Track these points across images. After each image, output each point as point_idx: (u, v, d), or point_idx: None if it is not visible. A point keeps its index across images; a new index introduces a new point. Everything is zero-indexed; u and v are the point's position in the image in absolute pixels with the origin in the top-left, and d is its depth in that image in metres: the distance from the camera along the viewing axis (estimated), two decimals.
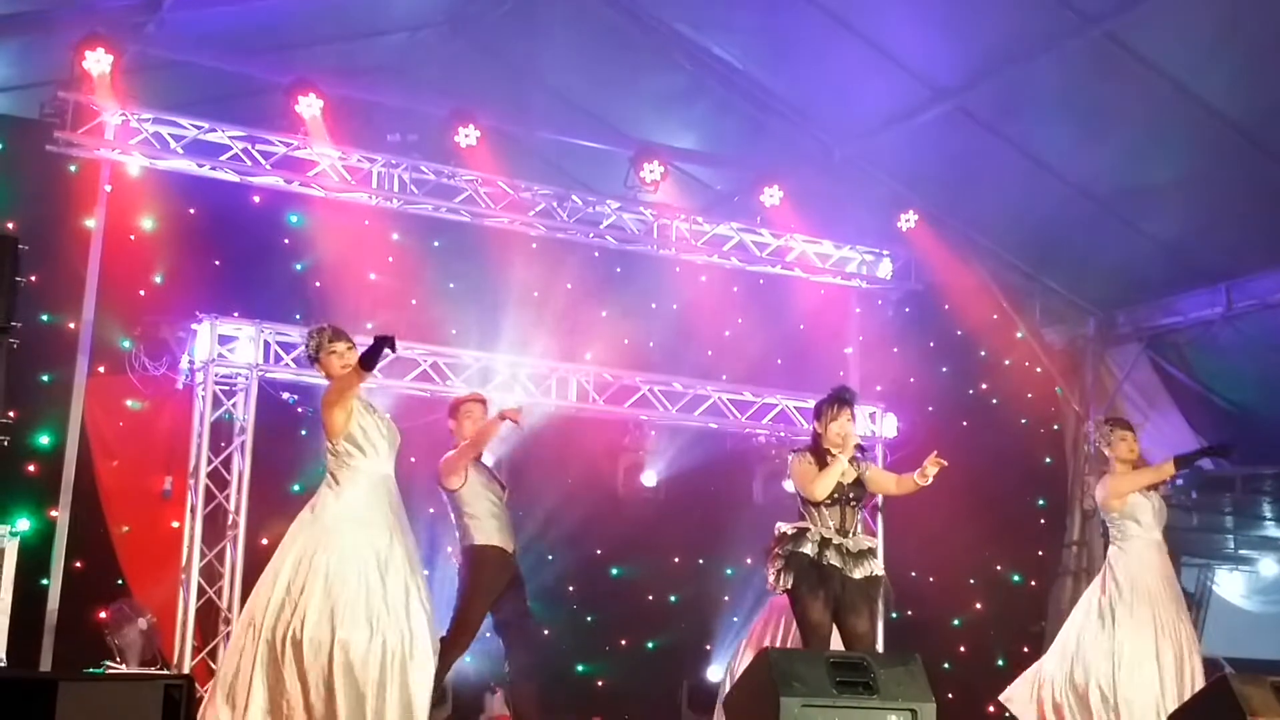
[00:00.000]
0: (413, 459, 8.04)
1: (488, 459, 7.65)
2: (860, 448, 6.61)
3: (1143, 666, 6.93)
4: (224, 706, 5.71)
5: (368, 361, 5.92)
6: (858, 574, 6.40)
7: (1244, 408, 10.39)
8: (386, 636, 5.78)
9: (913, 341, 11.38)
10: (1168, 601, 7.10)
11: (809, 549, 6.37)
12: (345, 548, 5.88)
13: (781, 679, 5.24)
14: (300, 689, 5.67)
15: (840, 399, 6.59)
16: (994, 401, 11.26)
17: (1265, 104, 8.44)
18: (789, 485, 6.63)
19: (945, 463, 6.42)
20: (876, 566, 6.50)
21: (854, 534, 6.50)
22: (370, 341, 5.94)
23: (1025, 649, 11.03)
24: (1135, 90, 8.59)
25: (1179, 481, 10.06)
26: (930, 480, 6.47)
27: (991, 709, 10.64)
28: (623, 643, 10.70)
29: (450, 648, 6.94)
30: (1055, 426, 11.39)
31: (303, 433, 9.30)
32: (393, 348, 5.92)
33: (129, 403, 9.11)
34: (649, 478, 10.68)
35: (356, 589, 5.80)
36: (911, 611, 10.44)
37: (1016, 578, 11.21)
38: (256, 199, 9.75)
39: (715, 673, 10.34)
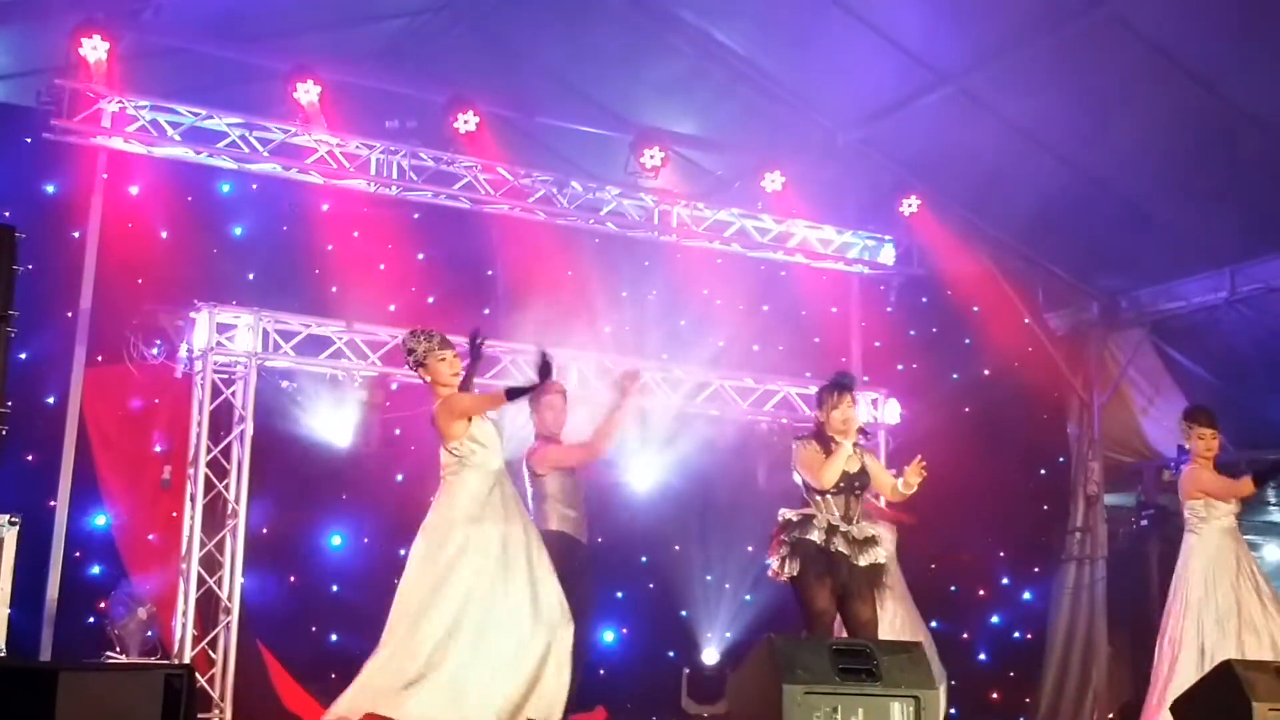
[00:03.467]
0: (412, 447, 8.04)
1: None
2: (863, 431, 6.59)
3: (1229, 633, 7.24)
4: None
5: (513, 395, 6.44)
6: (863, 561, 6.40)
7: (1248, 392, 10.34)
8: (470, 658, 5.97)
9: (915, 327, 11.35)
10: (1245, 584, 7.42)
11: (816, 536, 6.35)
12: (452, 547, 6.13)
13: (784, 666, 5.22)
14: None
15: (841, 385, 6.59)
16: (996, 387, 11.21)
17: (1272, 87, 8.39)
18: (798, 477, 6.61)
19: (926, 472, 6.47)
20: (880, 554, 6.49)
21: (858, 521, 6.49)
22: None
23: (1029, 635, 11.04)
24: (1139, 73, 8.54)
25: (1173, 467, 10.07)
26: (915, 488, 6.52)
27: (995, 695, 10.66)
28: (624, 631, 10.68)
29: None
30: (1058, 412, 11.36)
31: (301, 420, 9.27)
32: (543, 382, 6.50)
33: (127, 392, 9.07)
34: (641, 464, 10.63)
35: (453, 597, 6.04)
36: (914, 598, 10.43)
37: (1019, 564, 11.19)
38: (254, 186, 9.72)
39: (715, 662, 10.36)
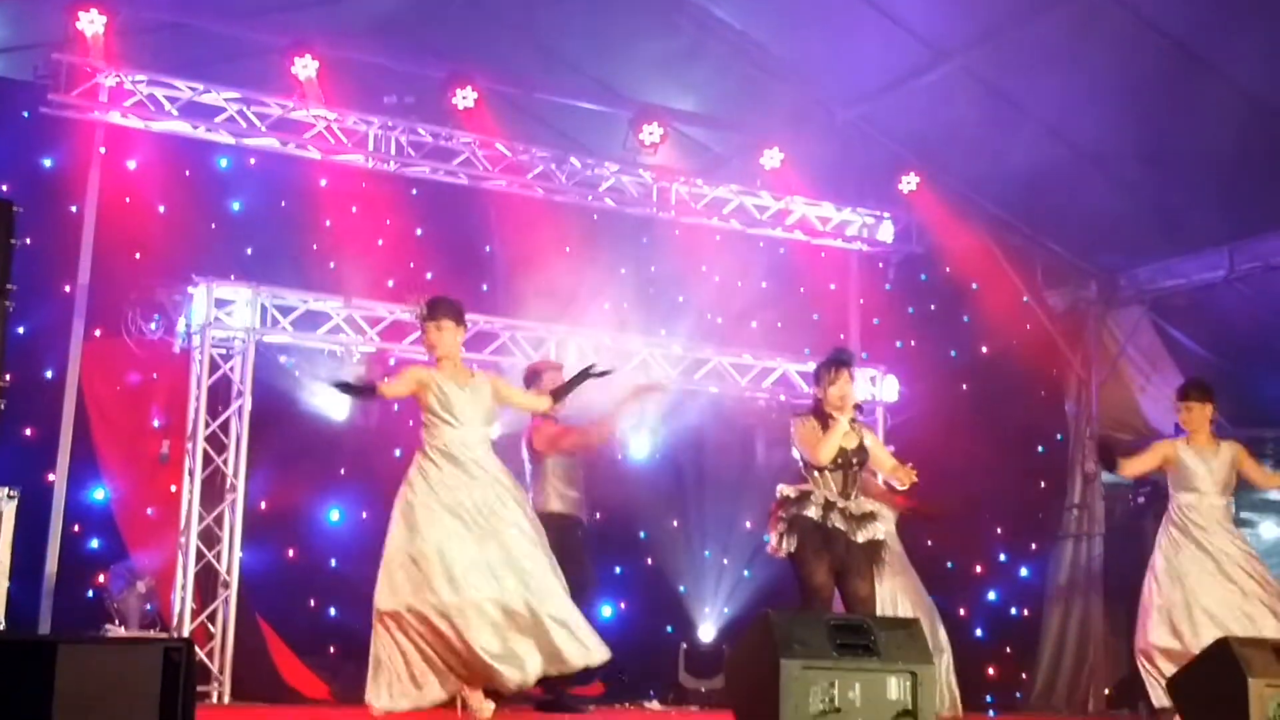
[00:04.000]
0: (410, 422, 7.99)
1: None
2: (858, 407, 6.60)
3: (1214, 587, 7.12)
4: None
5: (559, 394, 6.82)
6: (861, 537, 6.41)
7: (1246, 369, 10.35)
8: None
9: (914, 304, 11.35)
10: (1229, 550, 7.26)
11: (813, 512, 6.36)
12: (433, 515, 6.18)
13: (782, 641, 5.22)
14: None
15: (838, 361, 6.59)
16: (995, 364, 11.22)
17: (1270, 64, 8.37)
18: (796, 453, 6.62)
19: (916, 478, 6.51)
20: (878, 530, 6.50)
21: (856, 497, 6.51)
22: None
23: (1025, 612, 11.07)
24: (1138, 50, 8.52)
25: None
26: (905, 485, 6.55)
27: (992, 671, 10.69)
28: (622, 606, 10.71)
29: None
30: (1057, 389, 11.37)
31: (300, 396, 9.27)
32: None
33: (126, 367, 9.07)
34: (638, 439, 10.64)
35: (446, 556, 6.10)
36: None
37: (1016, 540, 11.22)
38: (252, 161, 9.69)
39: (712, 637, 10.39)
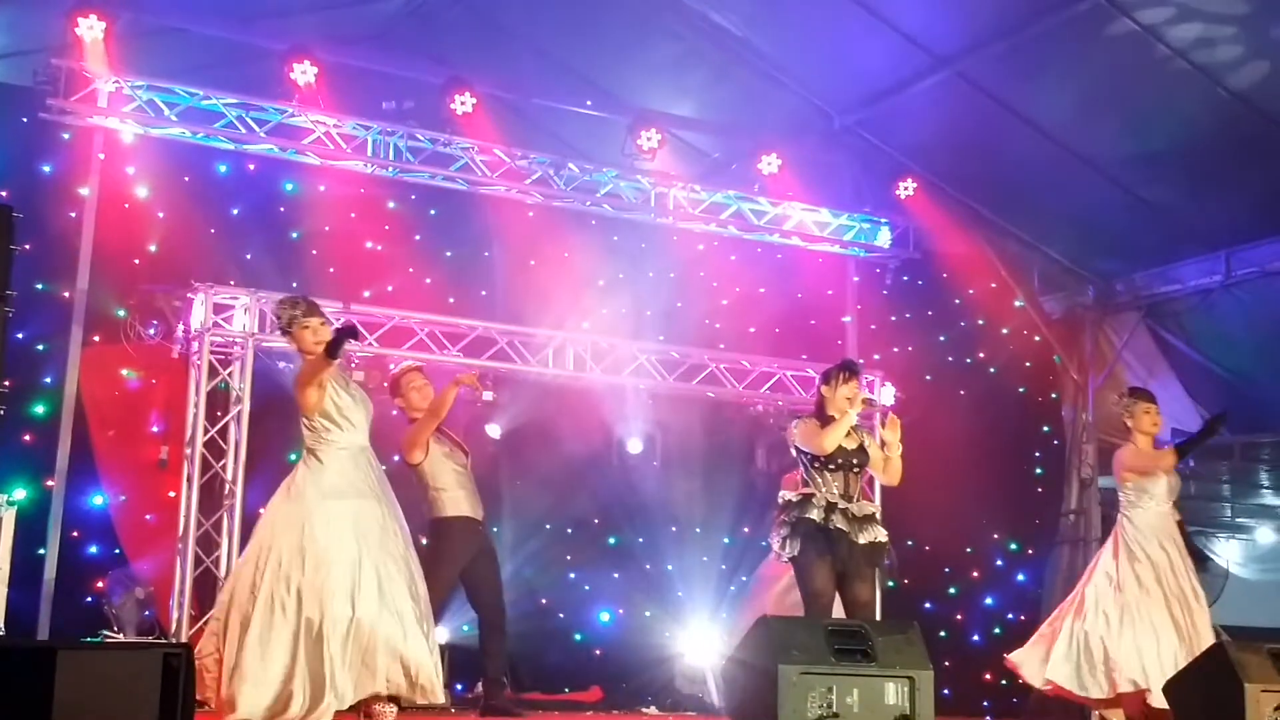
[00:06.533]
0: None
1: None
2: (868, 403, 6.64)
3: (1140, 631, 7.02)
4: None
5: (332, 350, 5.84)
6: (863, 539, 6.43)
7: (1243, 376, 10.36)
8: (377, 612, 5.65)
9: (911, 310, 11.36)
10: (1175, 570, 7.18)
11: (815, 514, 6.39)
12: (330, 522, 5.75)
13: (780, 647, 5.24)
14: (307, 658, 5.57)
15: (850, 368, 6.70)
16: (992, 370, 11.24)
17: (1267, 70, 8.39)
18: (796, 454, 6.65)
19: (899, 420, 6.52)
20: (880, 533, 6.52)
21: (857, 499, 6.53)
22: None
23: (1022, 617, 11.06)
24: (1135, 56, 8.53)
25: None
26: (897, 445, 6.52)
27: (988, 676, 10.68)
28: (620, 611, 10.72)
29: None
30: (1053, 395, 11.37)
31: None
32: (356, 336, 6.04)
33: (124, 372, 9.09)
34: (635, 445, 10.66)
35: (343, 566, 5.67)
36: (908, 580, 10.48)
37: (1013, 546, 11.23)
38: (251, 167, 9.71)
39: (710, 642, 10.39)
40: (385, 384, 7.64)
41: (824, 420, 6.56)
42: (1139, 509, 7.32)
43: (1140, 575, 7.15)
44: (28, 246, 6.58)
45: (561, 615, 10.49)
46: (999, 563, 11.21)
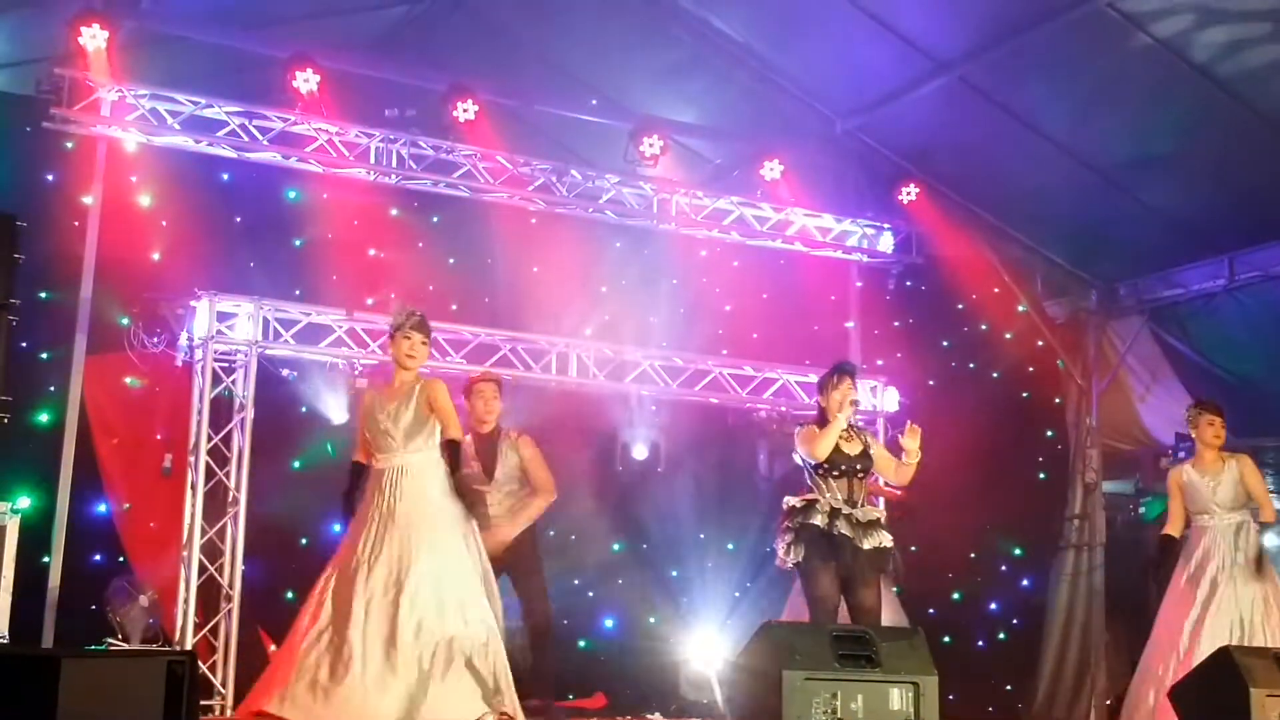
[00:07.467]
0: None
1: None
2: (854, 403, 6.63)
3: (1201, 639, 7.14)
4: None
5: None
6: (867, 544, 6.43)
7: (1246, 379, 10.36)
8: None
9: (914, 315, 11.36)
10: (1230, 578, 7.31)
11: (819, 520, 6.40)
12: None
13: (784, 652, 5.24)
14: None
15: (841, 370, 6.70)
16: (995, 375, 11.24)
17: (1269, 74, 8.39)
18: (799, 459, 6.67)
19: (919, 428, 6.53)
20: (885, 538, 6.53)
21: (862, 505, 6.54)
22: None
23: (1026, 622, 11.06)
24: (1138, 60, 8.54)
25: (1181, 454, 10.07)
26: (917, 454, 6.53)
27: (993, 682, 10.69)
28: (624, 618, 10.71)
29: None
30: (1057, 400, 11.38)
31: (303, 409, 9.29)
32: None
33: (128, 380, 9.09)
34: (638, 451, 10.65)
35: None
36: (912, 585, 10.46)
37: (1017, 551, 11.22)
38: (254, 175, 9.71)
39: (715, 648, 10.37)
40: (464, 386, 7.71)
41: (824, 426, 6.58)
42: (1193, 520, 7.56)
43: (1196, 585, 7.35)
44: (31, 255, 6.60)
45: (565, 622, 10.43)
46: (1003, 568, 11.21)
